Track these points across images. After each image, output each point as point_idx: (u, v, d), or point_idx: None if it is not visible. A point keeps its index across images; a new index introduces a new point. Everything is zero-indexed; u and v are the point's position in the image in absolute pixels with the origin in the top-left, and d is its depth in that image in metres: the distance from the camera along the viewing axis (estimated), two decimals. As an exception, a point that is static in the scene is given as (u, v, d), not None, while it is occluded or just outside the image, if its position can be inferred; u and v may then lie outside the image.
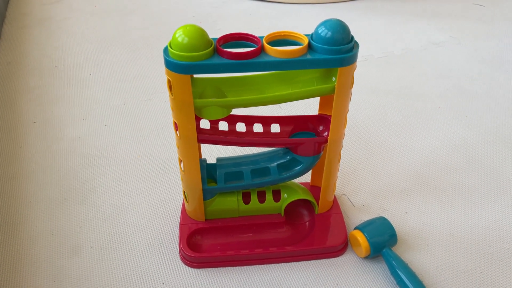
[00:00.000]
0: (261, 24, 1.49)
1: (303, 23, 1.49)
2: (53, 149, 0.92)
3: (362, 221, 0.71)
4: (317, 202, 0.73)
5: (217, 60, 0.54)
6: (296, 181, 0.75)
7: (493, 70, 1.20)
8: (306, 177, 0.77)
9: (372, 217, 0.71)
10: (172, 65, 0.54)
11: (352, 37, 0.57)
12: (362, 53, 1.28)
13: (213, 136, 0.64)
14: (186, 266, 0.68)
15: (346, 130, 0.94)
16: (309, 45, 0.56)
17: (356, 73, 1.18)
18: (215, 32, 1.41)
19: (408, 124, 0.99)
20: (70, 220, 0.76)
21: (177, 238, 0.72)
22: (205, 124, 0.64)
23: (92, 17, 1.53)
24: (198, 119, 0.62)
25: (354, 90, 1.10)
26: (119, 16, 1.54)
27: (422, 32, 1.42)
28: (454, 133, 0.96)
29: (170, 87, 0.57)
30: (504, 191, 0.81)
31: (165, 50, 0.55)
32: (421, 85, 1.14)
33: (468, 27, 1.45)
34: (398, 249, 0.70)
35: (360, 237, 0.67)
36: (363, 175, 0.85)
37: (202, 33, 0.54)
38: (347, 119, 0.68)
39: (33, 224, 0.75)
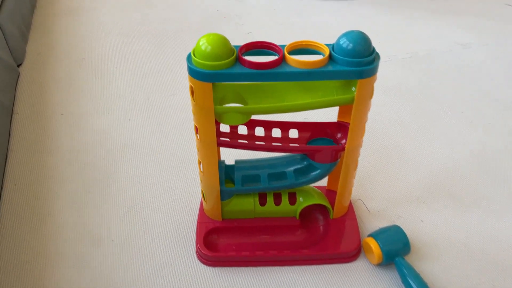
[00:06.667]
0: (284, 19, 1.48)
1: (325, 18, 1.48)
2: (78, 141, 0.95)
3: (377, 228, 0.72)
4: (332, 207, 0.74)
5: (238, 69, 0.55)
6: (313, 185, 0.76)
7: (520, 75, 1.18)
8: (323, 181, 0.77)
9: (387, 224, 0.72)
10: (195, 73, 0.56)
11: (374, 49, 0.57)
12: (385, 53, 1.27)
13: (232, 142, 0.65)
14: (202, 264, 0.71)
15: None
16: (330, 56, 0.57)
17: (379, 74, 1.18)
18: (239, 28, 1.42)
19: (428, 129, 0.99)
20: (94, 213, 0.79)
21: (194, 235, 0.74)
22: (225, 127, 0.66)
23: (117, 8, 1.56)
24: (218, 122, 0.63)
25: (375, 92, 1.10)
26: (144, 9, 1.56)
27: (447, 32, 1.39)
28: (475, 140, 0.95)
29: (192, 93, 0.59)
30: (523, 203, 0.81)
31: (189, 58, 0.57)
32: (445, 89, 1.13)
33: (498, 29, 1.42)
34: (411, 258, 0.71)
35: (373, 244, 0.68)
36: (380, 181, 0.85)
37: (224, 42, 0.56)
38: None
39: (59, 216, 0.78)
